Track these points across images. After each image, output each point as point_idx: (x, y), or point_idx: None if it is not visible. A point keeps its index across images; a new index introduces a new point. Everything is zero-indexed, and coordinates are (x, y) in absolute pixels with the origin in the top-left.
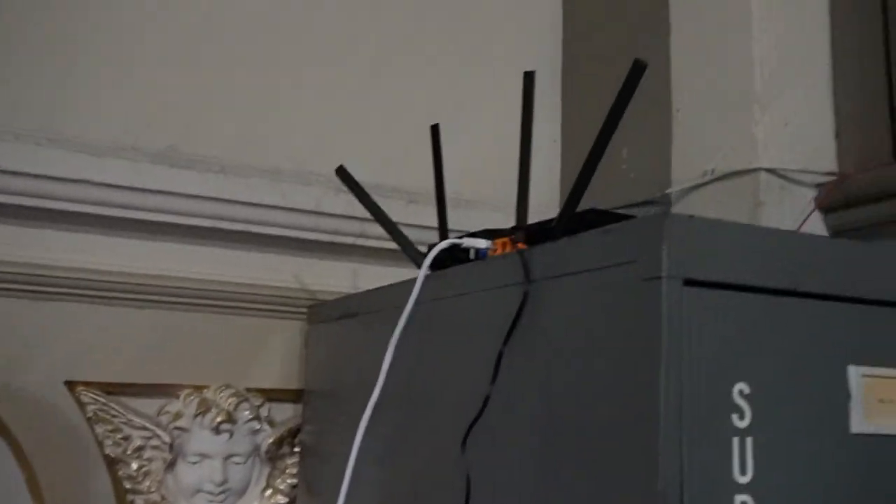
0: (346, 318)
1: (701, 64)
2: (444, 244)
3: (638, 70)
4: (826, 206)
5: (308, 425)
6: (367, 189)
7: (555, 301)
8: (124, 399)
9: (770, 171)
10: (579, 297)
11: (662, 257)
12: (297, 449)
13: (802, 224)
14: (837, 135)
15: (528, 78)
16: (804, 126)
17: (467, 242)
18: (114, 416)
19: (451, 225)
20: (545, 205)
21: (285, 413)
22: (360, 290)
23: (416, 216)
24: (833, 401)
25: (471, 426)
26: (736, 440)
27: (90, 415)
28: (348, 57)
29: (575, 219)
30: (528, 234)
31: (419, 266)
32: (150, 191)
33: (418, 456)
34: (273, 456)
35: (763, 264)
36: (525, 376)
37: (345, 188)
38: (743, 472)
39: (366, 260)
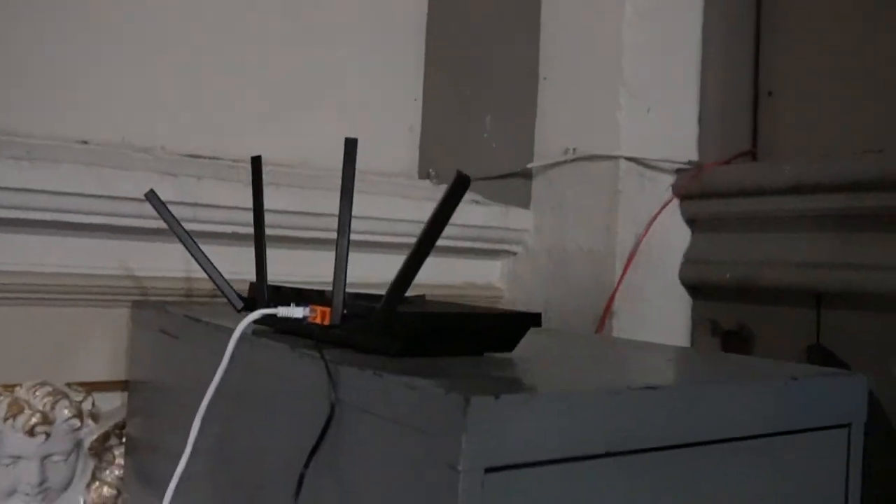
0: (167, 335)
1: (572, 36)
2: (255, 315)
3: (461, 183)
4: (683, 195)
5: (134, 417)
6: (203, 160)
7: (359, 434)
8: None
9: (630, 159)
10: (381, 442)
11: (461, 448)
12: (123, 440)
13: (660, 212)
14: (700, 123)
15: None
16: (668, 113)
17: (282, 312)
18: None
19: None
20: (406, 165)
21: (113, 403)
22: (193, 275)
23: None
24: None
25: None
26: None
27: None
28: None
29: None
30: (346, 318)
31: (236, 309)
32: None
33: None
34: (98, 450)
35: (575, 434)
36: (330, 495)
37: (173, 171)
38: None
39: (200, 241)
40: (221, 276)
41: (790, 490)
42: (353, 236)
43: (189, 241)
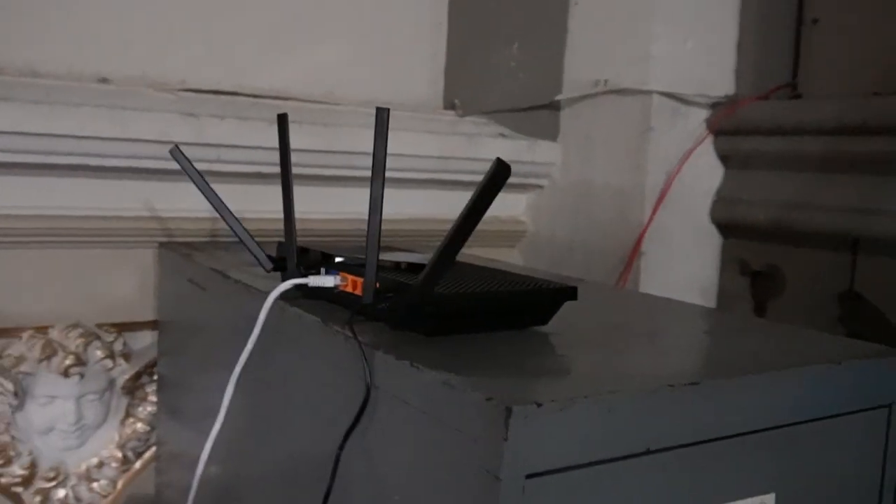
0: (195, 285)
1: None
2: (286, 286)
3: (502, 172)
4: (718, 130)
5: (164, 357)
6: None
7: (394, 422)
8: None
9: (664, 94)
10: (417, 436)
11: (502, 457)
12: (155, 377)
13: (693, 150)
14: (739, 53)
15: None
16: (704, 43)
17: (314, 282)
18: None
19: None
20: (429, 95)
21: (144, 341)
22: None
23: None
24: None
25: None
26: None
27: None
28: None
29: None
30: (378, 293)
31: (266, 270)
32: None
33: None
34: (131, 388)
35: (615, 436)
36: (359, 481)
37: (195, 112)
38: None
39: (224, 181)
40: (250, 235)
41: (830, 472)
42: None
43: (215, 198)
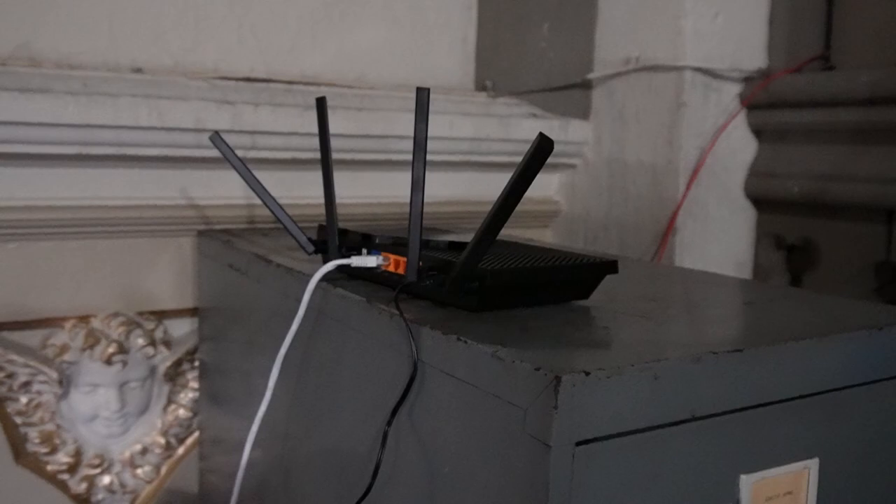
0: (235, 270)
1: None
2: (329, 267)
3: (544, 147)
4: (751, 104)
5: (206, 343)
6: (252, 81)
7: (441, 396)
8: (3, 335)
9: (697, 69)
10: (465, 406)
11: (553, 426)
12: (196, 364)
13: (726, 125)
14: (770, 26)
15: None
16: (736, 17)
17: (356, 262)
18: None
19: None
20: (461, 77)
21: (184, 328)
22: (255, 202)
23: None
24: None
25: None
26: None
27: None
28: None
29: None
30: (421, 271)
31: (307, 252)
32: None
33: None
34: (172, 375)
35: (661, 403)
36: (411, 448)
37: (230, 99)
38: None
39: (259, 168)
40: (291, 219)
41: (873, 437)
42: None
43: (256, 183)
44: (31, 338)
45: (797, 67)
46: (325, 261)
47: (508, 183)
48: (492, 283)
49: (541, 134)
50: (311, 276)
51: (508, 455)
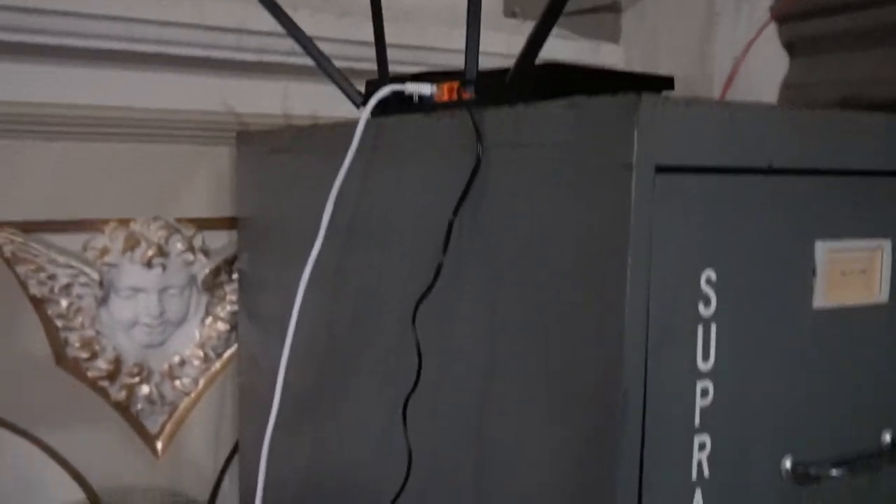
0: (278, 153)
1: None
2: (384, 91)
3: None
4: (782, 16)
5: (244, 253)
6: None
7: (509, 172)
8: (45, 237)
9: None
10: (537, 172)
11: (634, 144)
12: (234, 276)
13: (757, 35)
14: None
15: None
16: None
17: (410, 88)
18: (35, 255)
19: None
20: (490, 4)
21: (220, 241)
22: (293, 113)
23: (351, 30)
24: (798, 278)
25: (419, 301)
26: (700, 328)
27: (8, 255)
28: None
29: (531, 74)
30: (478, 85)
31: (356, 105)
32: (47, 11)
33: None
34: (210, 285)
35: (737, 143)
36: (475, 249)
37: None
38: (705, 358)
39: (298, 78)
40: (338, 70)
41: None
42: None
43: (303, 35)
44: (73, 242)
45: None
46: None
47: None
48: (552, 77)
49: None
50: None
51: (588, 196)
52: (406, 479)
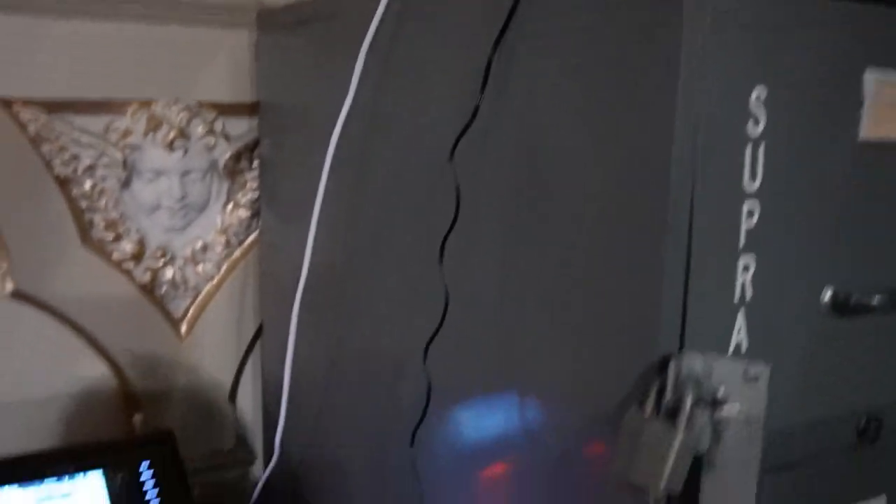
0: (301, 25)
1: None
2: None
3: None
4: None
5: (266, 139)
6: None
7: (551, 5)
8: (68, 116)
9: None
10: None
11: None
12: (255, 163)
13: None
14: None
15: None
16: None
17: None
18: (59, 134)
19: None
20: None
21: (240, 127)
22: None
23: None
24: (846, 107)
25: (459, 137)
26: (748, 147)
27: (32, 135)
28: None
29: None
30: None
31: None
32: None
33: (390, 166)
34: (231, 171)
35: None
36: (514, 90)
37: None
38: (753, 178)
39: None
40: None
41: None
42: None
43: None
44: (95, 123)
45: None
46: None
47: None
48: None
49: None
50: None
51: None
52: (442, 320)
